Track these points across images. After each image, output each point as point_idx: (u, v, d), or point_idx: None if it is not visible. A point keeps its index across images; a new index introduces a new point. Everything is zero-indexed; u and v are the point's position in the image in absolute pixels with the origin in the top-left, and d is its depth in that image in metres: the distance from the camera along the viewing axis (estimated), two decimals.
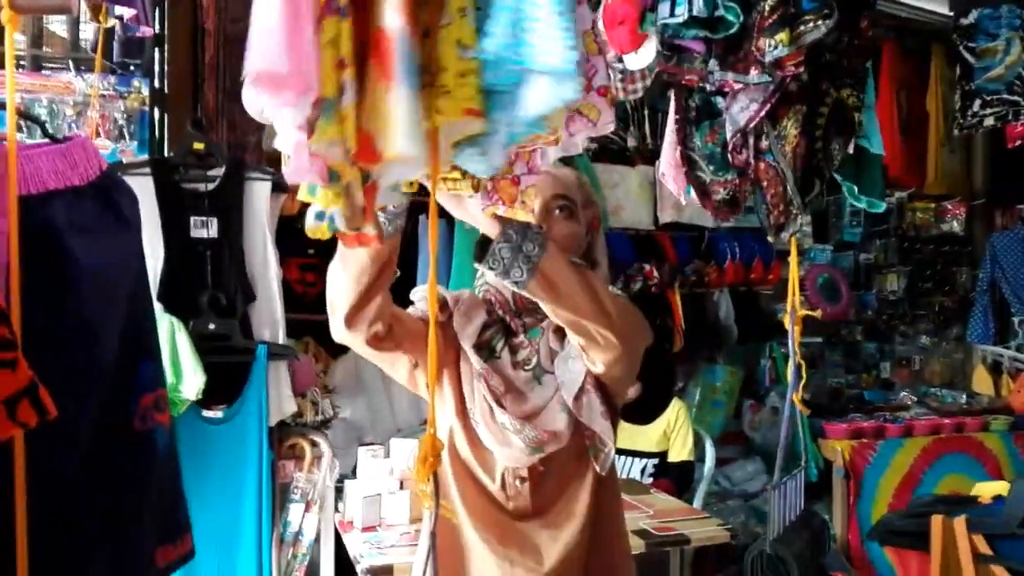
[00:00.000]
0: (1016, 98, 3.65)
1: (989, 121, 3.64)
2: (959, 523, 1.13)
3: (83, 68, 2.86)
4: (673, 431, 3.37)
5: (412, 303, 1.48)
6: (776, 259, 4.20)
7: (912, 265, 4.57)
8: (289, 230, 3.49)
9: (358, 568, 2.10)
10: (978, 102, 3.80)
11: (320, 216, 0.92)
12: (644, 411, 3.36)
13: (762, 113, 1.11)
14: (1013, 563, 1.10)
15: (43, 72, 2.87)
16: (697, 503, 3.27)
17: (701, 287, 4.01)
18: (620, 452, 3.44)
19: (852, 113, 1.14)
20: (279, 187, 2.42)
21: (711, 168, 1.24)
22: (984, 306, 4.32)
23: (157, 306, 2.26)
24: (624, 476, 3.30)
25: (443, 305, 1.48)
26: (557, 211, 1.46)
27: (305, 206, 3.03)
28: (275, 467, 2.37)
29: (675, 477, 3.33)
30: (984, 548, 1.12)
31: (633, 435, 3.37)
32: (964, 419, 3.64)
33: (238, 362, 2.33)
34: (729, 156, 1.18)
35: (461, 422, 1.43)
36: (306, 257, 3.55)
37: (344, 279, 1.23)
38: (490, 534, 1.42)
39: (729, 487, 4.04)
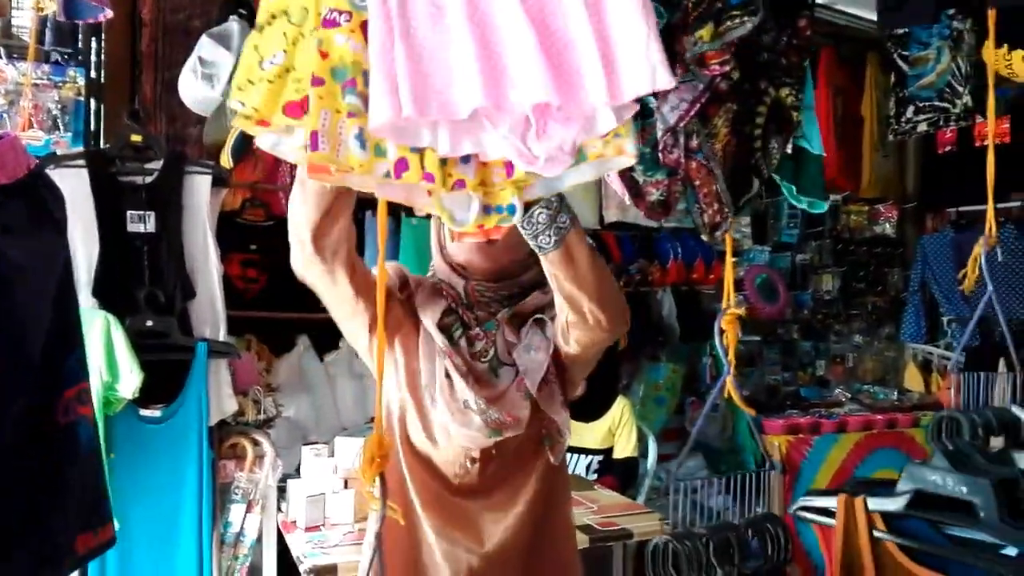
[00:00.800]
0: (946, 105, 3.79)
1: (922, 127, 3.77)
2: (859, 502, 1.17)
3: (15, 56, 2.76)
4: (618, 428, 3.41)
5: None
6: (717, 259, 4.29)
7: (846, 266, 4.71)
8: (231, 225, 3.44)
9: (301, 568, 2.07)
10: (911, 108, 3.93)
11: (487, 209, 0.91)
12: (589, 409, 3.40)
13: (692, 112, 1.13)
14: (904, 540, 1.15)
15: None
16: (641, 498, 3.32)
17: (645, 286, 4.07)
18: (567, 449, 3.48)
19: (790, 112, 1.17)
20: (219, 181, 2.36)
21: (641, 168, 1.25)
22: (916, 306, 4.48)
23: (92, 302, 2.21)
24: (570, 473, 3.33)
25: (404, 283, 1.51)
26: None
27: (247, 200, 2.95)
28: (215, 467, 2.31)
29: (620, 473, 3.37)
30: (880, 526, 1.16)
31: (579, 432, 3.40)
32: (896, 415, 3.77)
33: (177, 360, 2.27)
34: (660, 156, 1.19)
35: (412, 397, 1.44)
36: (248, 252, 3.49)
37: (305, 201, 1.23)
38: (433, 513, 1.43)
39: (674, 483, 4.10)
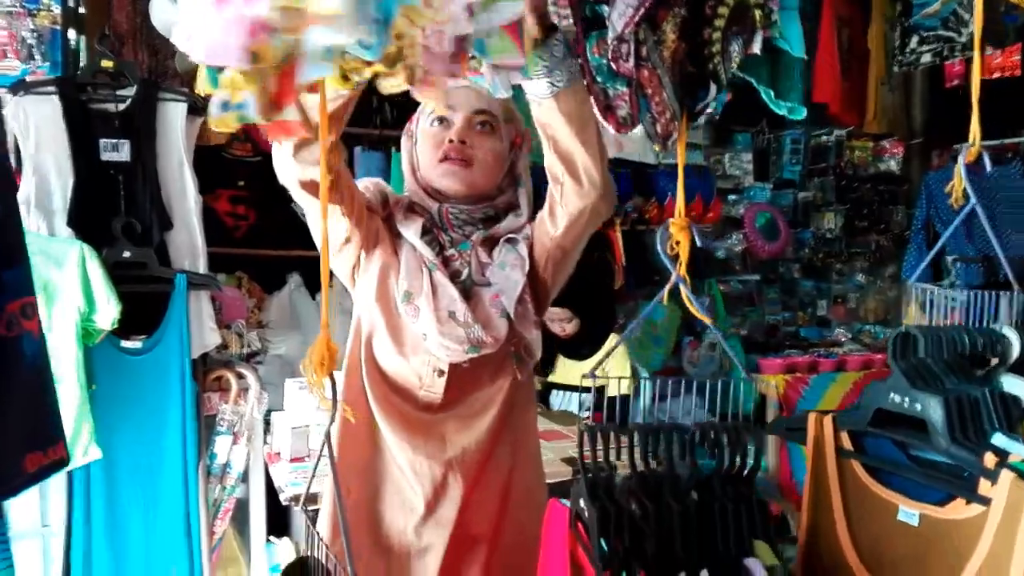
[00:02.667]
0: (951, 34, 3.67)
1: (926, 58, 3.66)
2: (827, 420, 1.15)
3: None
4: (608, 364, 3.39)
5: None
6: (716, 197, 4.22)
7: (849, 203, 4.62)
8: (217, 160, 3.40)
9: (282, 497, 2.08)
10: (915, 38, 3.82)
11: (226, 106, 0.85)
12: (582, 346, 3.37)
13: (636, 18, 1.06)
14: (869, 458, 1.12)
15: None
16: None
17: (642, 224, 4.01)
18: (558, 387, 3.47)
19: (753, 11, 1.10)
20: (195, 109, 2.31)
21: (600, 79, 1.20)
22: (919, 244, 4.39)
23: (67, 232, 2.18)
24: (562, 410, 3.33)
25: (385, 201, 1.50)
26: (479, 126, 1.44)
27: (234, 134, 2.88)
28: (199, 399, 2.31)
29: (613, 412, 3.36)
30: (847, 444, 1.14)
31: (571, 370, 3.39)
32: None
33: (157, 292, 2.25)
34: (613, 66, 1.14)
35: (382, 310, 1.44)
36: (236, 189, 3.45)
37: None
38: (395, 425, 1.44)
39: (667, 421, 4.10)
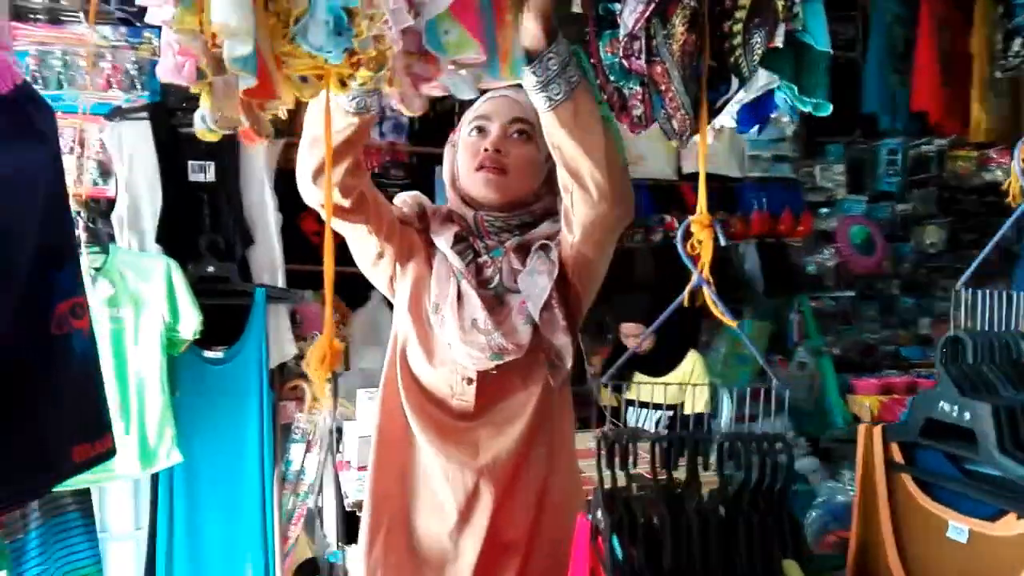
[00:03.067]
0: None
1: None
2: (876, 430, 1.08)
3: (99, 20, 2.90)
4: (689, 383, 3.32)
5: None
6: (807, 210, 4.08)
7: (953, 216, 4.37)
8: None
9: (346, 504, 2.13)
10: (1019, 40, 3.60)
11: (203, 119, 0.91)
12: (659, 362, 3.32)
13: (647, 12, 1.05)
14: (919, 471, 1.05)
15: (59, 24, 2.93)
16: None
17: (726, 239, 3.91)
18: (634, 404, 3.42)
19: (775, 3, 1.07)
20: (276, 132, 2.42)
21: (613, 78, 1.19)
22: None
23: (156, 248, 2.32)
24: (637, 428, 3.27)
25: (422, 213, 1.53)
26: (515, 135, 1.45)
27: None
28: (276, 407, 2.41)
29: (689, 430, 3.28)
30: (898, 456, 1.07)
31: (648, 387, 3.33)
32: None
33: (237, 305, 2.37)
34: (625, 63, 1.13)
35: (414, 320, 1.46)
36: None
37: (305, 145, 1.31)
38: (430, 429, 1.45)
39: None
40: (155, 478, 2.31)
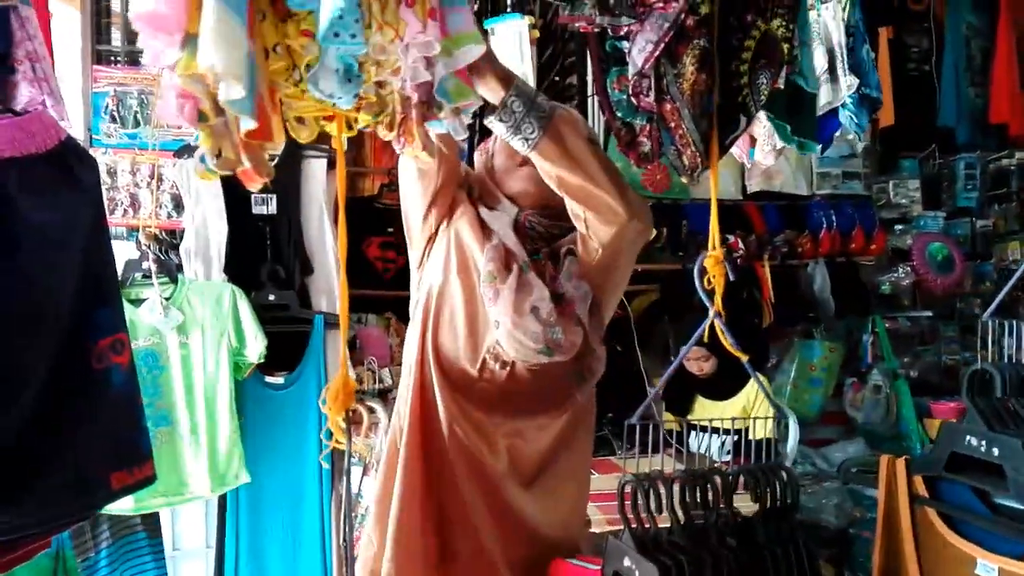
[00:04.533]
0: None
1: None
2: (900, 462, 1.05)
3: None
4: (753, 407, 3.24)
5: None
6: (880, 228, 3.95)
7: None
8: (369, 209, 3.63)
9: None
10: None
11: (203, 159, 0.96)
12: (723, 386, 3.26)
13: (656, 52, 1.06)
14: (945, 506, 1.01)
15: (136, 65, 3.11)
16: None
17: (793, 258, 3.83)
18: (698, 428, 3.36)
19: (781, 45, 1.07)
20: (335, 163, 2.51)
21: (620, 115, 1.20)
22: None
23: (222, 277, 2.43)
24: (701, 453, 3.22)
25: (467, 177, 1.54)
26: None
27: (384, 185, 3.08)
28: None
29: (755, 456, 3.21)
30: (922, 490, 1.04)
31: (712, 410, 3.28)
32: None
33: (298, 331, 2.46)
34: (634, 101, 1.14)
35: (462, 280, 1.42)
36: (385, 235, 3.67)
37: None
38: (452, 400, 1.40)
39: (827, 468, 3.85)
40: (223, 499, 2.40)
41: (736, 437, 3.27)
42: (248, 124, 0.89)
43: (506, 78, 1.23)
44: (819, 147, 1.23)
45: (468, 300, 1.41)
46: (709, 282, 1.23)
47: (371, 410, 2.52)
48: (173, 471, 2.28)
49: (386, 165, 3.67)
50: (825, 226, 3.83)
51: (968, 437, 0.99)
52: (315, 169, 2.52)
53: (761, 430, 3.23)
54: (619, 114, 1.21)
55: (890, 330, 3.98)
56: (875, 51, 2.25)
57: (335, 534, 2.43)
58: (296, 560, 2.43)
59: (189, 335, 2.32)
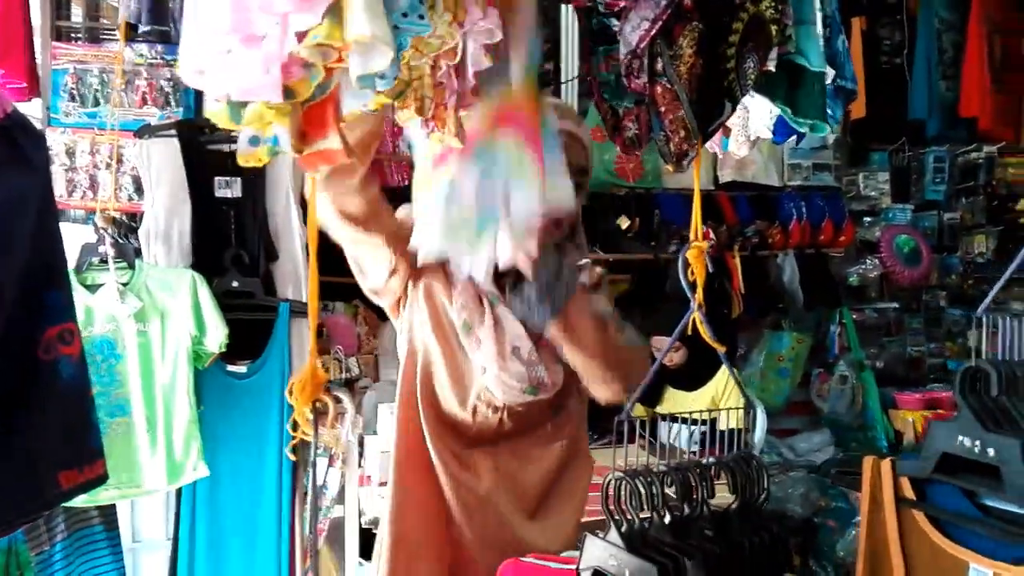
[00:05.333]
0: None
1: None
2: (885, 464, 1.03)
3: (139, 39, 2.96)
4: (722, 398, 3.24)
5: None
6: (849, 220, 3.97)
7: (1003, 225, 4.21)
8: None
9: (363, 520, 2.12)
10: None
11: (255, 140, 0.90)
12: (692, 376, 3.25)
13: (653, 31, 1.01)
14: (934, 509, 0.99)
15: (98, 43, 2.98)
16: None
17: (764, 249, 3.83)
18: (668, 418, 3.35)
19: (769, 27, 1.03)
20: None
21: (607, 96, 1.15)
22: None
23: (183, 262, 2.35)
24: (670, 443, 3.21)
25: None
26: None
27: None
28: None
29: (725, 446, 3.21)
30: (908, 492, 1.01)
31: (681, 401, 3.27)
32: None
33: (262, 319, 2.38)
34: (625, 81, 1.09)
35: (438, 337, 1.44)
36: None
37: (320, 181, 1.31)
38: (445, 447, 1.45)
39: (793, 458, 3.86)
40: (179, 491, 2.32)
41: (705, 427, 3.26)
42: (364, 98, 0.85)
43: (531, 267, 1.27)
44: (827, 128, 1.19)
45: (449, 356, 1.43)
46: (693, 273, 1.19)
47: (337, 400, 2.44)
48: (128, 463, 2.20)
49: None
50: (795, 217, 3.83)
51: (961, 437, 0.96)
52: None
53: (730, 420, 3.24)
54: (606, 96, 1.16)
55: (857, 321, 4.01)
56: (848, 42, 2.24)
57: (297, 526, 2.37)
58: (254, 552, 2.36)
59: (148, 323, 2.23)
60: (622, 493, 0.96)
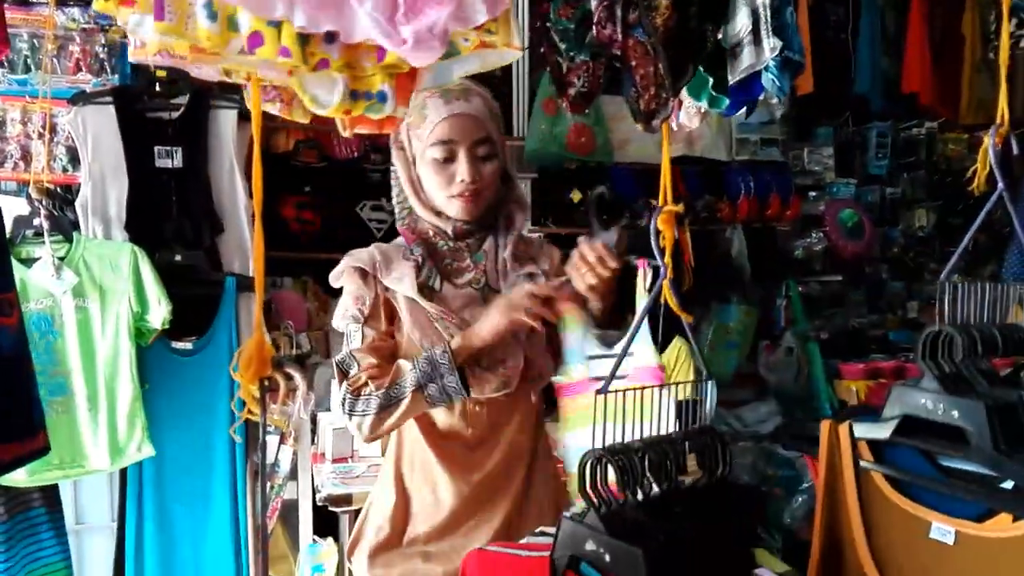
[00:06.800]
0: None
1: None
2: (843, 428, 1.04)
3: (70, 3, 2.81)
4: (674, 370, 3.27)
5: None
6: (795, 194, 4.02)
7: (942, 199, 4.32)
8: (284, 167, 3.46)
9: (318, 498, 2.09)
10: (1014, 21, 3.53)
11: (355, 95, 0.87)
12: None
13: None
14: (890, 470, 1.00)
15: (27, 6, 2.83)
16: None
17: (713, 223, 3.86)
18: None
19: None
20: (247, 115, 2.35)
21: (564, 47, 1.12)
22: (1020, 243, 4.08)
23: (122, 236, 2.26)
24: None
25: (364, 274, 1.47)
26: (482, 156, 1.44)
27: (300, 142, 2.93)
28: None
29: (677, 416, 3.24)
30: (866, 455, 1.02)
31: None
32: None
33: (208, 294, 2.31)
34: (595, 30, 1.06)
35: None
36: (302, 195, 3.50)
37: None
38: (449, 459, 1.48)
39: (741, 428, 3.94)
40: (124, 471, 2.25)
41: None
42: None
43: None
44: (726, 101, 1.17)
45: None
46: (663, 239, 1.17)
47: (288, 377, 2.40)
48: (70, 443, 2.13)
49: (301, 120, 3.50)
50: (743, 192, 3.86)
51: (923, 400, 0.97)
52: (224, 120, 2.35)
53: (681, 392, 3.27)
54: (563, 46, 1.13)
55: (802, 294, 4.08)
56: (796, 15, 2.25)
57: (248, 505, 2.32)
58: (206, 533, 2.31)
59: (86, 298, 2.14)
60: (598, 474, 0.93)
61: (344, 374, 1.41)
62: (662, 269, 1.13)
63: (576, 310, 1.34)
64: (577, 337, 1.35)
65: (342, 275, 1.49)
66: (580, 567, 0.94)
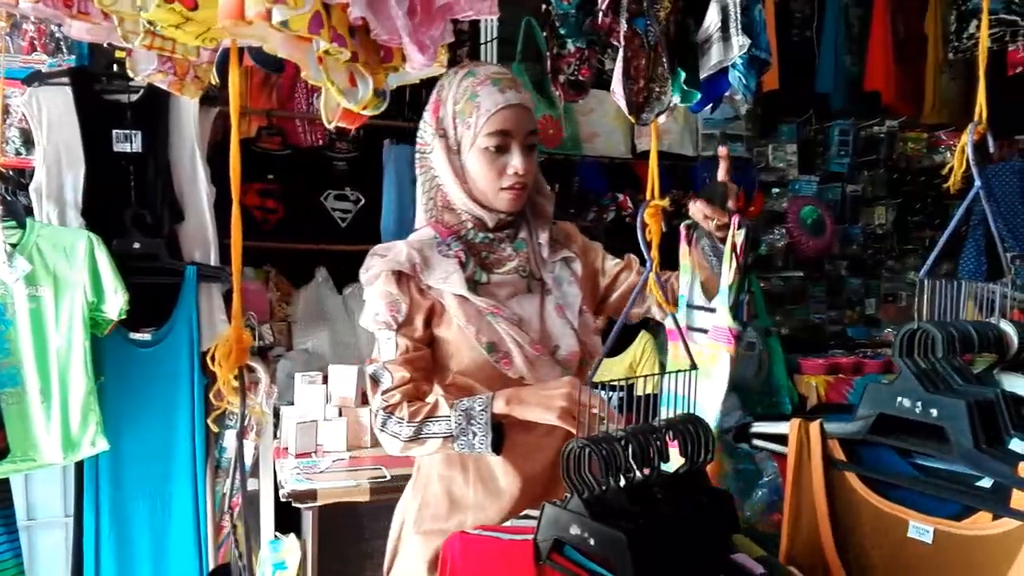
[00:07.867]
0: (1014, 18, 3.44)
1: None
2: (813, 426, 1.03)
3: None
4: (639, 364, 3.28)
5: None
6: (758, 190, 4.06)
7: (902, 198, 4.39)
8: (247, 153, 3.37)
9: (281, 493, 2.04)
10: (975, 23, 3.60)
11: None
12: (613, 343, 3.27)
13: None
14: (868, 470, 1.01)
15: None
16: None
17: (678, 218, 3.87)
18: (588, 385, 3.37)
19: None
20: (208, 100, 2.29)
21: (563, 31, 1.11)
22: (976, 241, 4.17)
23: (78, 222, 2.18)
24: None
25: (399, 276, 1.40)
26: (530, 148, 1.40)
27: (263, 128, 2.86)
28: (208, 391, 2.29)
29: (642, 410, 3.25)
30: (838, 453, 1.02)
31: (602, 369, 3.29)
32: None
33: (167, 284, 2.24)
34: (595, 17, 1.04)
35: (473, 363, 1.40)
36: (265, 182, 3.43)
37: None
38: (510, 448, 1.39)
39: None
40: (79, 465, 2.18)
41: (623, 393, 3.30)
42: None
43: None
44: (698, 96, 1.17)
45: (488, 380, 1.40)
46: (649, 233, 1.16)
47: (251, 369, 2.34)
48: (22, 435, 2.05)
49: (264, 106, 3.42)
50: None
51: (900, 399, 0.97)
52: (185, 105, 2.28)
53: (647, 386, 3.28)
54: (562, 31, 1.11)
55: (764, 290, 4.12)
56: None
57: (208, 500, 2.26)
58: (167, 528, 2.25)
59: (39, 287, 2.07)
60: (583, 461, 0.92)
61: (376, 383, 1.36)
62: (648, 262, 1.12)
63: (697, 255, 1.41)
64: (687, 283, 1.43)
65: (378, 278, 1.40)
66: (564, 550, 0.94)
